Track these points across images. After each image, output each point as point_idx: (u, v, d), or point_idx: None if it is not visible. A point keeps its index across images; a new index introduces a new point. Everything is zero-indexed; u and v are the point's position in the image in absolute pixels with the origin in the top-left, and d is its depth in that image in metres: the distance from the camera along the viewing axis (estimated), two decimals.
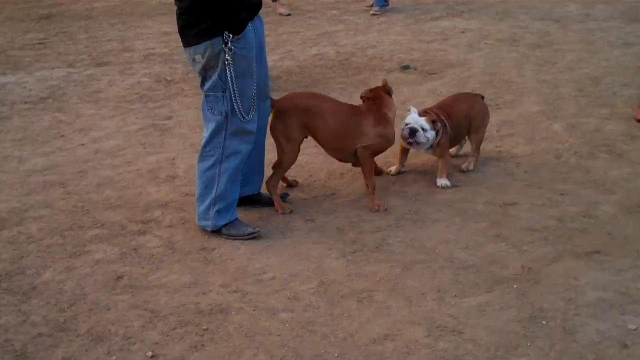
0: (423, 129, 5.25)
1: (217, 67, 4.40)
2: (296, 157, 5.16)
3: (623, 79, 7.87)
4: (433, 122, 5.30)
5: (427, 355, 3.53)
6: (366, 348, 3.60)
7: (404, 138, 5.34)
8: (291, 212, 5.05)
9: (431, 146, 5.38)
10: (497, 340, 3.62)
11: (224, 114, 4.51)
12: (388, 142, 5.15)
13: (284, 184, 5.41)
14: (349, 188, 5.43)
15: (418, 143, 5.28)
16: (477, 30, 10.48)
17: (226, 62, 4.37)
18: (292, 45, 10.05)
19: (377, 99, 5.21)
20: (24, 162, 6.19)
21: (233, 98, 4.44)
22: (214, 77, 4.44)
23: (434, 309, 3.90)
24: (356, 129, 5.06)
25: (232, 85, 4.41)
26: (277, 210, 5.06)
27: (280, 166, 5.12)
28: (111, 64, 9.44)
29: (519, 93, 7.57)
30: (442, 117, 5.42)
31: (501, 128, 6.57)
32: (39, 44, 10.67)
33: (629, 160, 5.73)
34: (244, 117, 4.51)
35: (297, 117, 5.03)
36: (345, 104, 5.32)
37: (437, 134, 5.31)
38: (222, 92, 4.46)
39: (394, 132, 5.18)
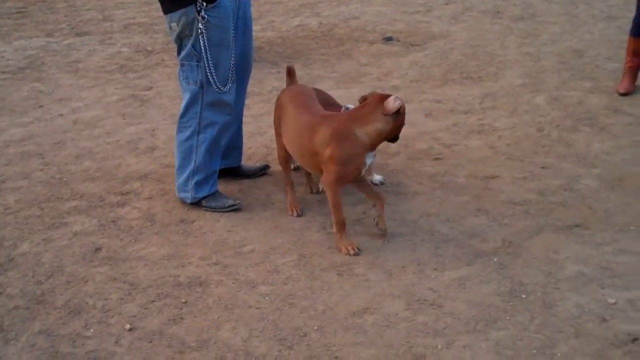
0: None
1: (191, 35, 4.36)
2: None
3: (607, 52, 7.85)
4: None
5: (407, 328, 3.52)
6: (345, 321, 3.58)
7: None
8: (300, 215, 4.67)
9: None
10: (476, 313, 3.61)
11: (198, 83, 4.46)
12: None
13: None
14: None
15: None
16: (461, 2, 10.44)
17: (199, 31, 4.31)
18: (275, 16, 9.98)
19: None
20: (1, 133, 6.12)
21: (207, 68, 4.39)
22: (188, 45, 4.39)
23: (414, 282, 3.89)
24: None
25: (206, 54, 4.37)
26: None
27: None
28: (91, 33, 9.34)
29: (501, 66, 7.55)
30: None
31: (483, 101, 6.55)
32: (17, 12, 10.54)
33: (611, 133, 5.72)
34: (219, 88, 4.47)
35: None
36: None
37: None
38: (197, 61, 4.41)
39: None
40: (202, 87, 4.47)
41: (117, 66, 7.92)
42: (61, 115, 6.51)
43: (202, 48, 4.35)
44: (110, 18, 10.15)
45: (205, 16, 4.29)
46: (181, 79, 4.55)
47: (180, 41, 4.44)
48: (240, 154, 5.13)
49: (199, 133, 4.58)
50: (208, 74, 4.40)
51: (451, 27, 9.13)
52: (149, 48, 8.59)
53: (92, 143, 5.85)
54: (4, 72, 7.76)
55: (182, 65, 4.51)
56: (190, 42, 4.37)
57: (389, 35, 8.76)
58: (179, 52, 4.49)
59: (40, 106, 6.75)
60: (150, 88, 7.18)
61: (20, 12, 10.59)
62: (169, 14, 4.39)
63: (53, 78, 7.56)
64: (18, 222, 4.63)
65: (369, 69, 7.57)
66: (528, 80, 7.07)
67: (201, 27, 4.30)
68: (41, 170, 5.37)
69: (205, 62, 4.39)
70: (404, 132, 5.74)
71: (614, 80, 6.87)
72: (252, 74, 5.02)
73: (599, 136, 5.68)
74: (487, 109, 6.35)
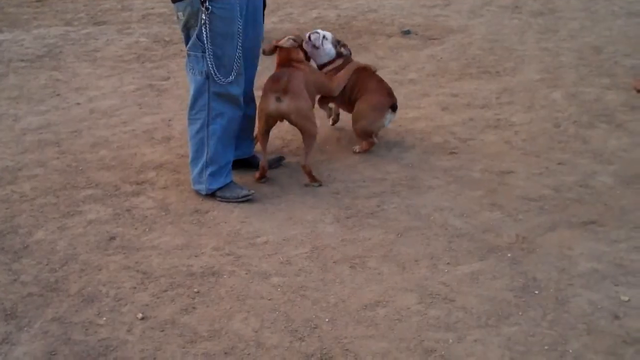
0: (325, 37, 5.37)
1: (196, 26, 4.39)
2: None
3: (625, 48, 7.80)
4: (343, 46, 5.43)
5: (418, 322, 3.52)
6: (357, 314, 3.59)
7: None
8: (320, 185, 4.96)
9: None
10: (489, 308, 3.60)
11: (204, 74, 4.48)
12: None
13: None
14: (346, 153, 5.39)
15: (314, 46, 5.34)
16: None
17: (202, 22, 4.33)
18: (293, 8, 9.96)
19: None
20: (19, 121, 6.15)
21: (208, 59, 4.41)
22: (194, 36, 4.42)
23: (427, 276, 3.88)
24: None
25: (208, 45, 4.38)
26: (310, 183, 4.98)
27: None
28: (109, 23, 9.37)
29: (519, 61, 7.51)
30: (357, 62, 5.53)
31: (500, 95, 6.52)
32: (37, 1, 10.58)
33: (628, 130, 5.69)
34: (220, 80, 4.47)
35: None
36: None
37: (336, 55, 5.41)
38: (202, 52, 4.43)
39: None
40: (207, 77, 4.48)
41: (135, 56, 7.94)
42: (78, 104, 6.54)
43: (205, 39, 4.36)
44: (129, 8, 10.18)
45: (209, 7, 4.30)
46: (188, 69, 4.58)
47: (187, 31, 4.47)
48: (251, 144, 5.14)
49: (209, 125, 4.59)
50: (210, 64, 4.41)
51: (469, 22, 9.09)
52: (167, 38, 8.60)
53: (109, 132, 5.87)
54: (22, 60, 7.80)
55: (188, 55, 4.54)
56: (196, 32, 4.40)
57: (407, 28, 8.73)
58: (186, 42, 4.53)
59: (58, 95, 6.78)
60: (168, 78, 7.19)
61: (40, 0, 10.63)
62: (176, 3, 4.43)
63: (71, 67, 7.59)
64: (33, 210, 4.66)
65: (386, 62, 7.55)
66: (546, 75, 7.03)
67: (204, 17, 4.31)
68: (57, 158, 5.39)
69: (207, 53, 4.39)
70: (420, 125, 5.76)
71: (632, 76, 6.83)
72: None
73: (615, 133, 5.65)
74: (503, 104, 6.32)
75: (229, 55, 4.47)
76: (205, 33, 4.36)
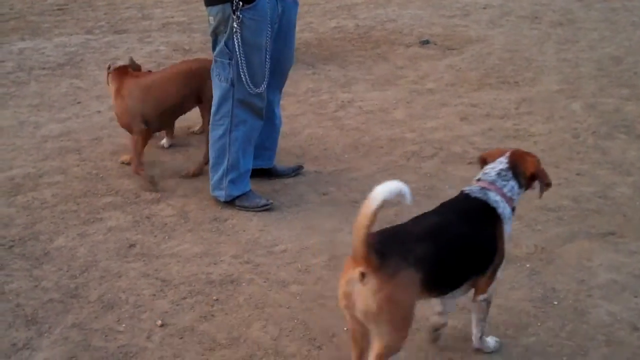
0: None
1: (225, 32, 4.39)
2: None
3: None
4: None
5: None
6: None
7: None
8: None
9: None
10: (507, 319, 3.60)
11: (229, 81, 4.49)
12: None
13: None
14: (364, 162, 5.40)
15: None
16: (499, 7, 10.38)
17: (233, 30, 4.34)
18: (312, 17, 9.99)
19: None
20: (40, 128, 6.19)
21: (240, 67, 4.42)
22: (222, 42, 4.43)
23: None
24: None
25: (239, 53, 4.39)
26: None
27: None
28: (129, 31, 9.42)
29: (539, 71, 7.50)
30: None
31: (520, 106, 6.51)
32: (58, 9, 10.66)
33: None
34: (251, 89, 4.49)
35: None
36: None
37: None
38: (229, 59, 4.45)
39: None
40: (232, 85, 4.50)
41: (155, 64, 7.97)
42: (99, 111, 6.58)
43: (235, 47, 4.38)
44: (149, 16, 10.23)
45: (241, 16, 4.31)
46: (214, 75, 4.59)
47: (215, 36, 4.48)
48: (271, 155, 5.14)
49: (231, 131, 4.60)
50: (241, 73, 4.42)
51: (489, 32, 9.08)
52: (187, 47, 8.64)
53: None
54: (43, 68, 7.86)
55: (215, 61, 4.55)
56: (224, 39, 4.41)
57: (425, 38, 8.74)
58: (213, 48, 4.54)
59: (79, 102, 6.82)
60: None
61: (61, 9, 10.71)
62: (209, 7, 4.44)
63: (92, 75, 7.64)
64: (54, 217, 4.69)
65: (405, 72, 7.56)
66: (565, 86, 7.02)
67: (235, 26, 4.33)
68: (78, 165, 5.43)
69: (239, 61, 4.41)
70: (439, 135, 5.75)
71: None
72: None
73: (635, 144, 5.63)
74: (523, 114, 6.31)
75: (256, 65, 4.47)
76: (235, 41, 4.37)
